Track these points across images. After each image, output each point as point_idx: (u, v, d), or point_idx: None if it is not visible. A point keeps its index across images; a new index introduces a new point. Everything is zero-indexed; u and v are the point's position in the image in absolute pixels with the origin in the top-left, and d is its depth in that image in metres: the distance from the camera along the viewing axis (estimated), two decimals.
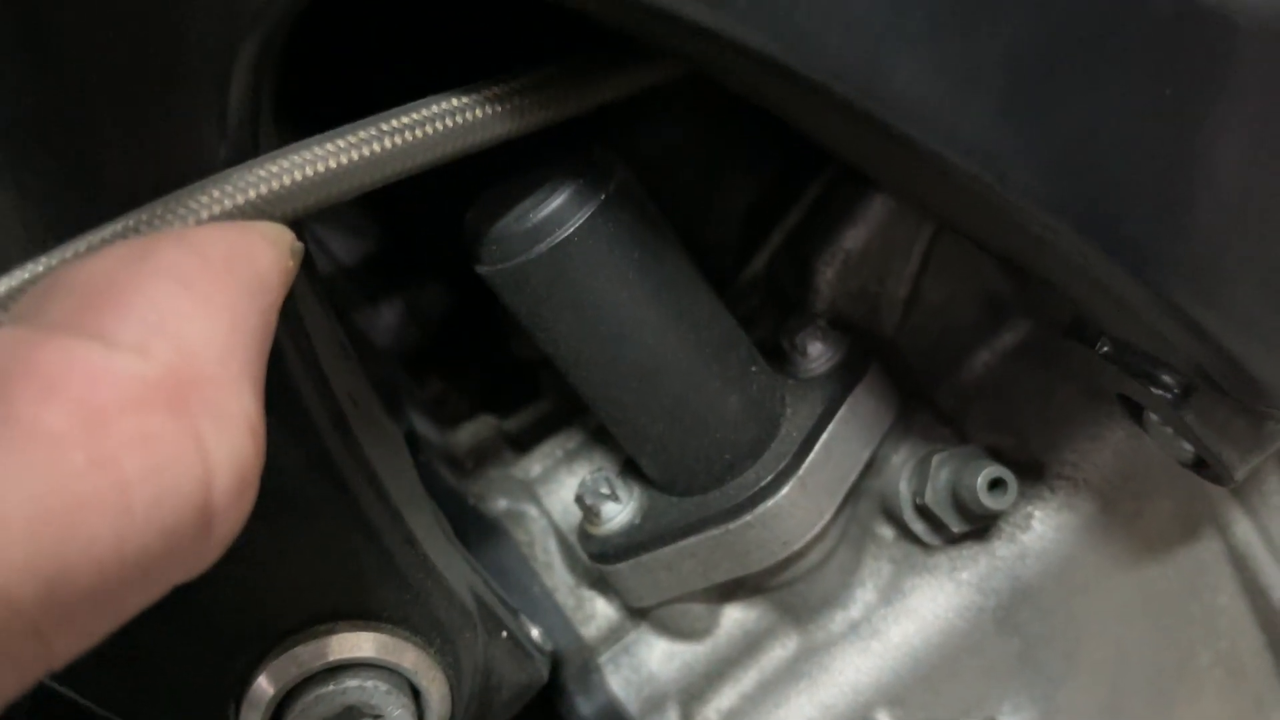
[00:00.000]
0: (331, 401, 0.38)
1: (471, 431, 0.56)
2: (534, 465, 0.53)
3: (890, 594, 0.48)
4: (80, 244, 0.31)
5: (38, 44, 0.32)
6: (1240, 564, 0.48)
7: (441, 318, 0.58)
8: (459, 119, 0.35)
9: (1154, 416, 0.40)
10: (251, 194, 0.31)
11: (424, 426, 0.54)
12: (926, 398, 0.50)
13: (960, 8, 0.29)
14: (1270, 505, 0.48)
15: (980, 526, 0.47)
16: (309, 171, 0.32)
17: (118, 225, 0.31)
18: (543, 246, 0.39)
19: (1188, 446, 0.40)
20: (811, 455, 0.44)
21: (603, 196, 0.39)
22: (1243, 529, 0.48)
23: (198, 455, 0.26)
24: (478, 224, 0.41)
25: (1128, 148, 0.31)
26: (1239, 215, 0.32)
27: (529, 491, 0.52)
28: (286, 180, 0.32)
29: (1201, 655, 0.50)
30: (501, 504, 0.52)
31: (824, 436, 0.44)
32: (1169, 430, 0.40)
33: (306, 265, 0.40)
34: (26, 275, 0.30)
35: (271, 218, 0.32)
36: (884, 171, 0.39)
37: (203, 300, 0.27)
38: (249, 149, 0.34)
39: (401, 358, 0.58)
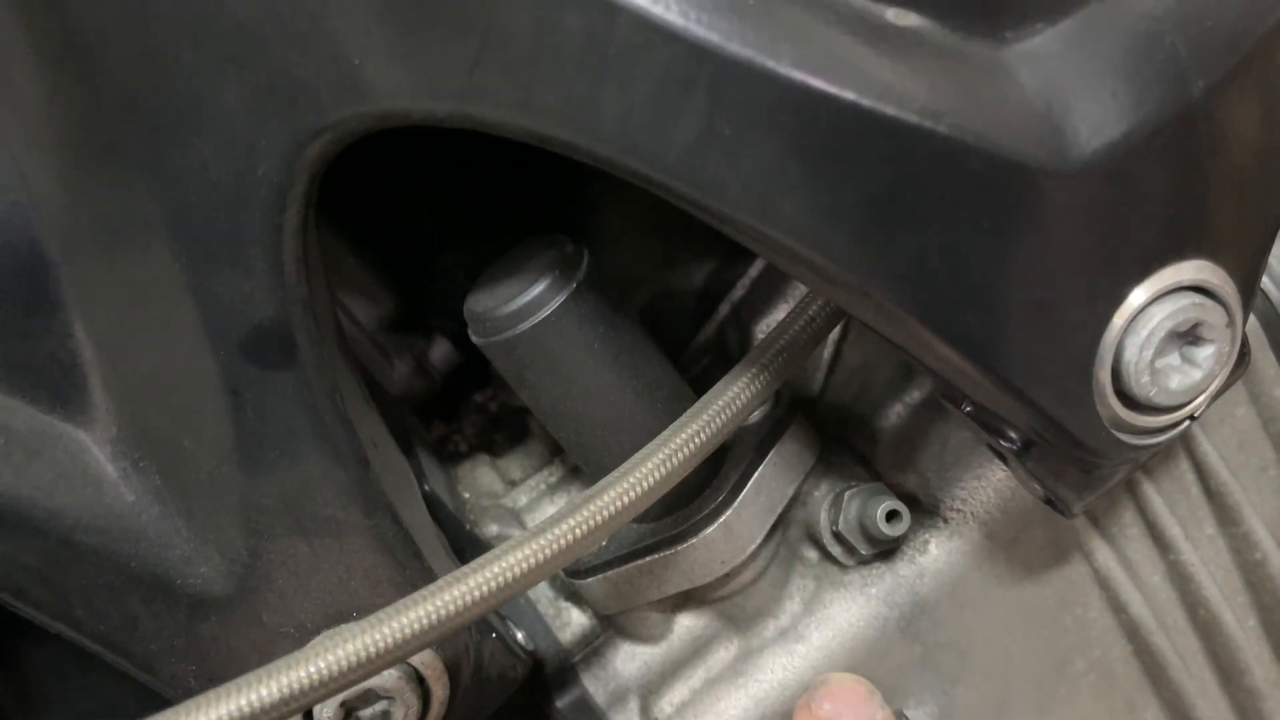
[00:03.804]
0: (357, 445, 0.48)
1: (469, 468, 0.66)
2: (521, 496, 0.64)
3: (813, 605, 0.58)
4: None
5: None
6: (1103, 583, 0.58)
7: (445, 372, 0.68)
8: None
9: (1010, 463, 0.50)
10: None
11: (429, 463, 0.65)
12: (846, 443, 0.60)
13: (827, 164, 0.39)
14: (1127, 535, 0.58)
15: (885, 550, 0.57)
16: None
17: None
18: (525, 325, 0.50)
19: (1037, 487, 0.50)
20: (744, 491, 0.54)
21: (574, 285, 0.50)
22: (1103, 554, 0.57)
23: None
24: (474, 305, 0.51)
25: (959, 265, 0.41)
26: (1047, 311, 0.42)
27: (516, 518, 0.63)
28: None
29: (1077, 661, 0.60)
30: (493, 529, 0.62)
31: (755, 476, 0.54)
32: (1023, 474, 0.50)
33: (338, 335, 0.51)
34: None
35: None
36: (789, 268, 0.50)
37: None
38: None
39: (411, 405, 0.68)
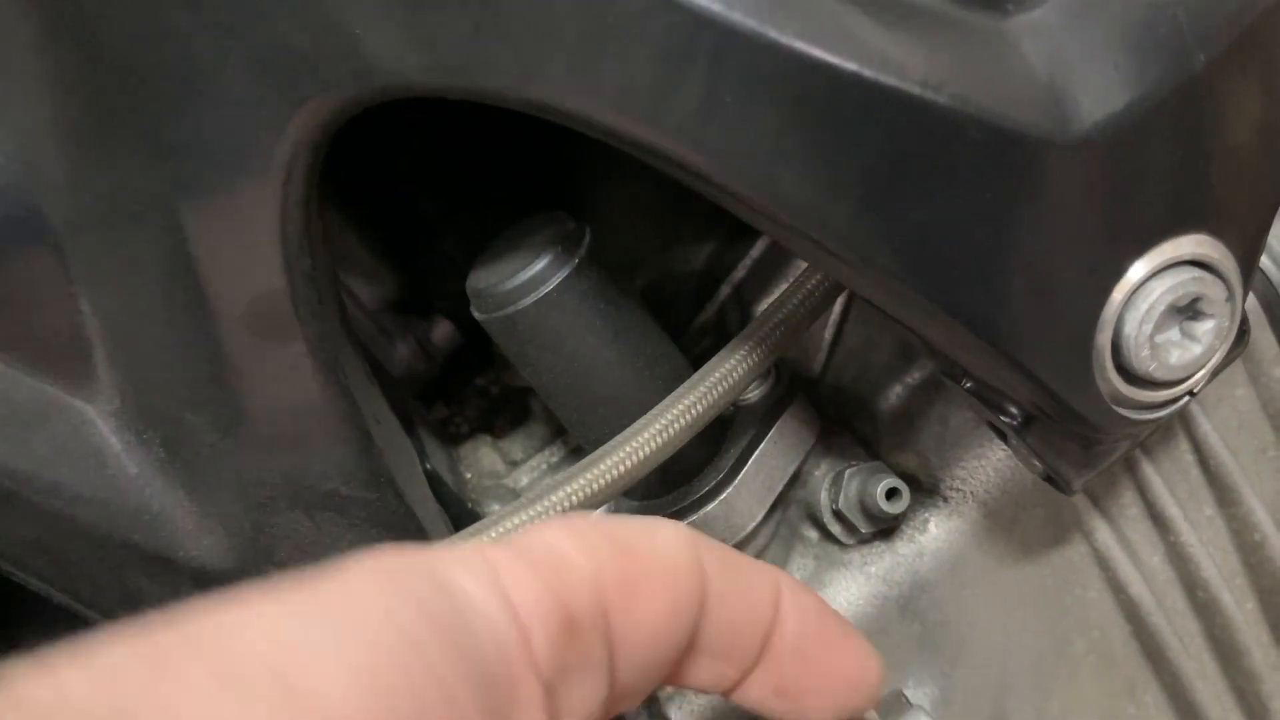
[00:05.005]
0: (360, 420, 0.48)
1: (471, 448, 0.66)
2: (522, 476, 0.64)
3: (813, 584, 0.58)
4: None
5: None
6: (1103, 564, 0.58)
7: (446, 354, 0.68)
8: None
9: (1011, 440, 0.51)
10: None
11: (431, 443, 0.65)
12: (846, 423, 0.60)
13: (828, 135, 0.39)
14: (1127, 515, 0.58)
15: (885, 528, 0.57)
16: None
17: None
18: (527, 301, 0.50)
19: (1038, 463, 0.50)
20: (745, 468, 0.54)
21: (575, 262, 0.50)
22: (1103, 534, 0.57)
23: None
24: (476, 281, 0.51)
25: (961, 236, 0.41)
26: (1048, 284, 0.42)
27: (518, 498, 0.63)
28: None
29: (1076, 642, 0.60)
30: (495, 508, 0.62)
31: (755, 454, 0.54)
32: (1024, 450, 0.50)
33: (341, 312, 0.51)
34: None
35: None
36: (789, 241, 0.50)
37: None
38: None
39: (412, 387, 0.68)
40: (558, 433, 0.65)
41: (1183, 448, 0.58)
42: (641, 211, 0.63)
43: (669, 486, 0.55)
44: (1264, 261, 0.55)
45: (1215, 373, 0.46)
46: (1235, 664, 0.61)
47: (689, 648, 0.31)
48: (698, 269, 0.64)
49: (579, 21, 0.37)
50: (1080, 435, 0.47)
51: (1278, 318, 0.55)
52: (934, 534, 0.57)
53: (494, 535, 0.43)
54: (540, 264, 0.50)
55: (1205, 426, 0.57)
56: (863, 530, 0.56)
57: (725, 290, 0.63)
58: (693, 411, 0.46)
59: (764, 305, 0.61)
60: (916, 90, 0.38)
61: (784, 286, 0.60)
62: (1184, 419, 0.57)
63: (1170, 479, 0.58)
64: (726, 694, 0.34)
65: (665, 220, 0.63)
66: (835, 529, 0.57)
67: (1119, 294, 0.42)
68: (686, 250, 0.64)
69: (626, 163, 0.45)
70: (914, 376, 0.59)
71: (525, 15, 0.38)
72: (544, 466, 0.64)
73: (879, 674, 0.35)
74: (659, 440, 0.45)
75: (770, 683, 0.33)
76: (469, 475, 0.65)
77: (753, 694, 0.34)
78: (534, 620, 0.27)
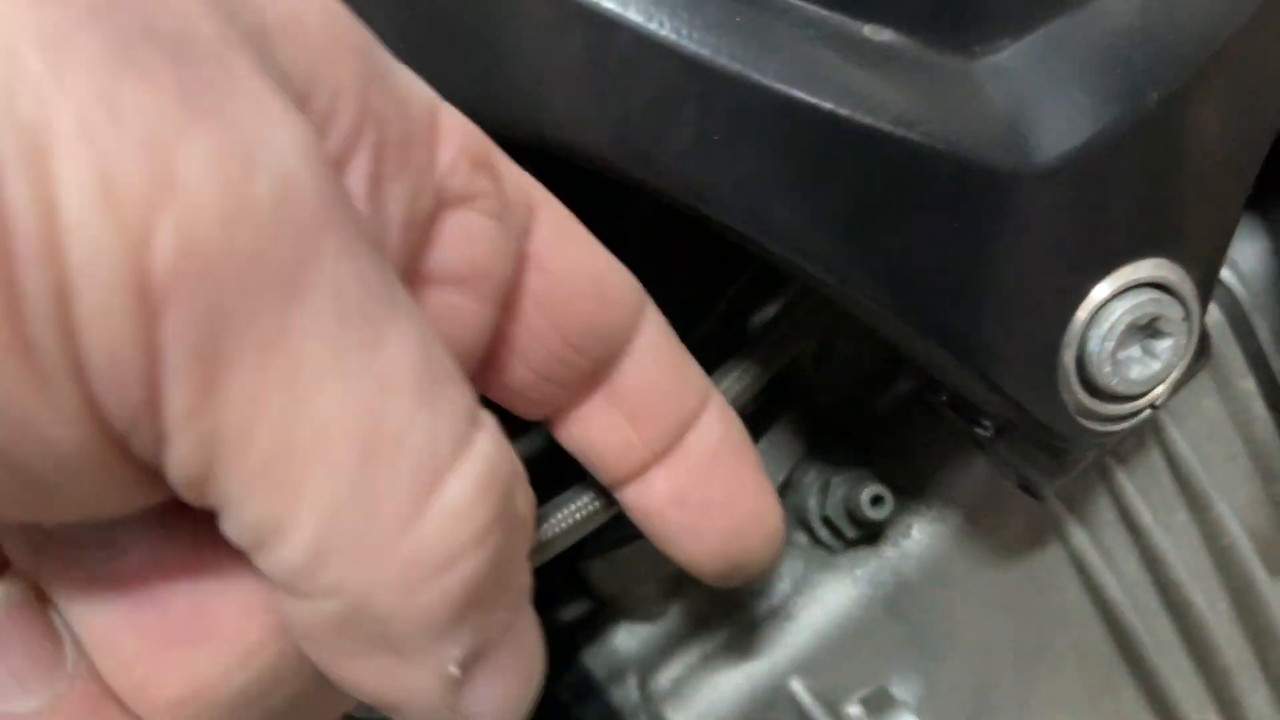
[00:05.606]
0: None
1: None
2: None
3: (802, 586, 0.61)
4: None
5: None
6: (1080, 567, 0.61)
7: None
8: None
9: (986, 449, 0.54)
10: None
11: None
12: (836, 431, 0.63)
13: (809, 169, 0.42)
14: (1102, 521, 0.61)
15: (871, 533, 0.60)
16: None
17: None
18: None
19: (1011, 471, 0.53)
20: None
21: None
22: (1079, 539, 0.60)
23: None
24: None
25: (934, 262, 0.44)
26: (1016, 305, 0.45)
27: None
28: None
29: (1056, 642, 0.63)
30: None
31: None
32: (998, 459, 0.54)
33: None
34: None
35: None
36: (779, 264, 0.53)
37: None
38: None
39: None
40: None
41: (1154, 456, 0.61)
42: (642, 231, 0.66)
43: None
44: (1229, 278, 0.58)
45: (1176, 387, 0.49)
46: (1209, 661, 0.64)
47: (603, 379, 0.28)
48: (695, 285, 0.67)
49: (580, 67, 0.41)
50: (1049, 445, 0.50)
51: (1242, 332, 0.58)
52: (918, 538, 0.60)
53: None
54: None
55: (1175, 436, 0.60)
56: (849, 535, 0.59)
57: (723, 304, 0.66)
58: None
59: (759, 319, 0.64)
60: (889, 128, 0.42)
61: (779, 300, 0.63)
62: (1155, 429, 0.60)
63: (1143, 486, 0.61)
64: (625, 483, 0.31)
65: (665, 239, 0.66)
66: (823, 534, 0.60)
67: (1083, 313, 0.46)
68: (685, 268, 0.67)
69: (626, 187, 0.48)
70: (901, 388, 0.62)
71: (531, 60, 0.41)
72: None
73: (779, 526, 0.32)
74: None
75: (675, 485, 0.31)
76: None
77: (654, 494, 0.31)
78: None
